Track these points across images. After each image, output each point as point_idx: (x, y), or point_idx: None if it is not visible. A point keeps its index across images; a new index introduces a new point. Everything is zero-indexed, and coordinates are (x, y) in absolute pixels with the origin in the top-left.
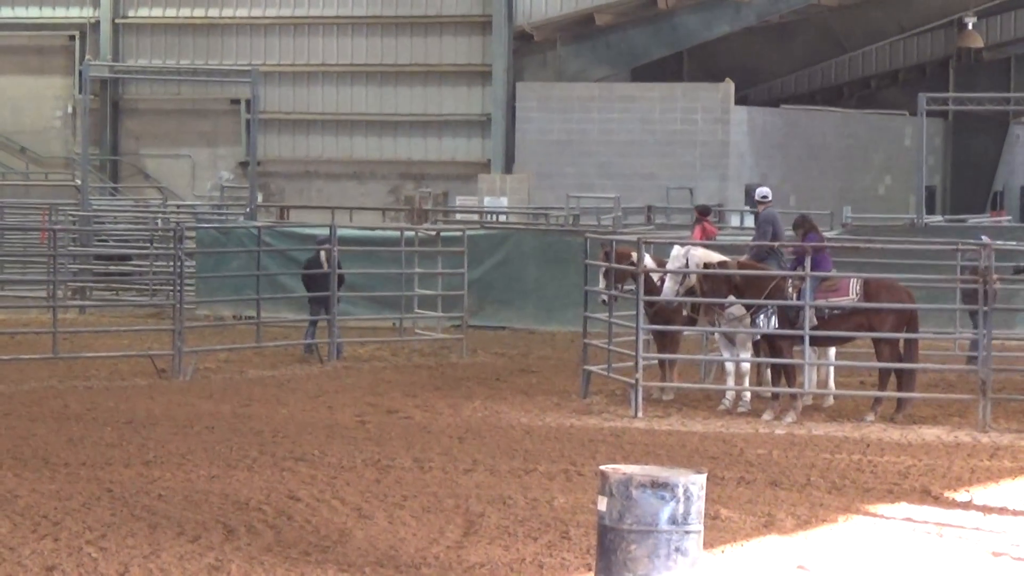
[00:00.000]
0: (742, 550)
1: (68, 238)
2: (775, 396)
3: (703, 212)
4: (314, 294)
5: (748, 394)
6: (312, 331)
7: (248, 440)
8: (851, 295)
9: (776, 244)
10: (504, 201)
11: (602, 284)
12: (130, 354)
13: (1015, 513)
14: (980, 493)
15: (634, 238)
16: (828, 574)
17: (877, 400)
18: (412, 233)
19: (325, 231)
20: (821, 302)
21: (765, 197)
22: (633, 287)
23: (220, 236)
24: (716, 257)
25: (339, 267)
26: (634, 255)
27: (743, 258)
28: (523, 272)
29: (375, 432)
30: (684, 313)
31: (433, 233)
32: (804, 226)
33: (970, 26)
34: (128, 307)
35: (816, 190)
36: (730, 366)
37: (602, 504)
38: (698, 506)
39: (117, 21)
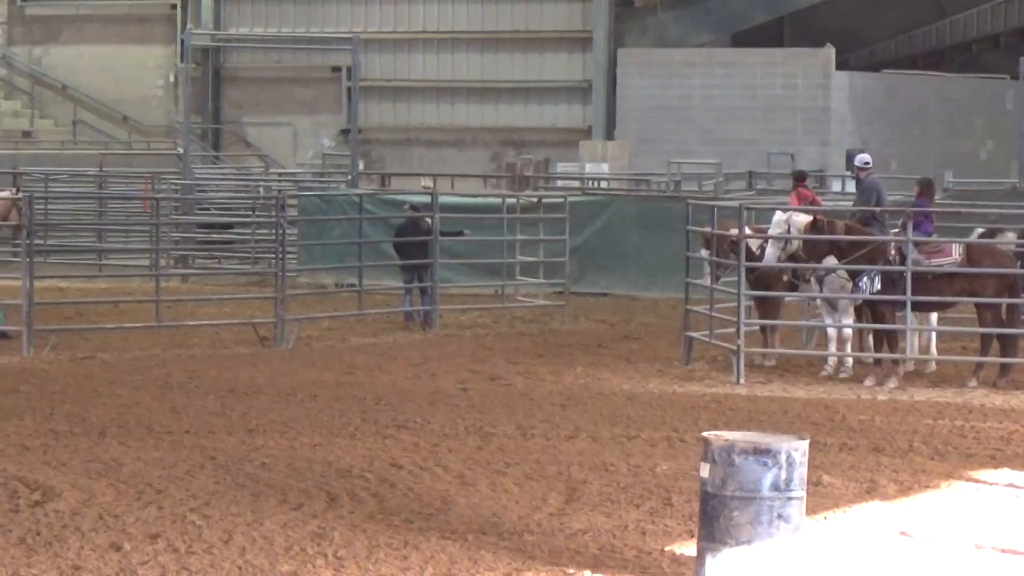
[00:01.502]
0: (844, 516)
1: (170, 207)
2: (877, 362)
3: (799, 178)
4: (406, 261)
5: (850, 360)
6: (409, 299)
7: (350, 408)
8: (952, 259)
9: (878, 209)
10: (605, 167)
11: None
12: (232, 322)
13: None
14: None
15: (736, 204)
16: (931, 540)
17: (979, 365)
18: (514, 200)
19: (425, 198)
20: (923, 265)
21: (867, 163)
22: (734, 259)
23: (322, 204)
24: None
25: (428, 231)
26: (734, 230)
27: (846, 223)
28: (624, 238)
29: (477, 399)
30: (785, 279)
31: (535, 200)
32: (920, 186)
33: None
34: (230, 275)
35: (917, 155)
36: (832, 332)
37: (704, 471)
38: (800, 472)
39: None
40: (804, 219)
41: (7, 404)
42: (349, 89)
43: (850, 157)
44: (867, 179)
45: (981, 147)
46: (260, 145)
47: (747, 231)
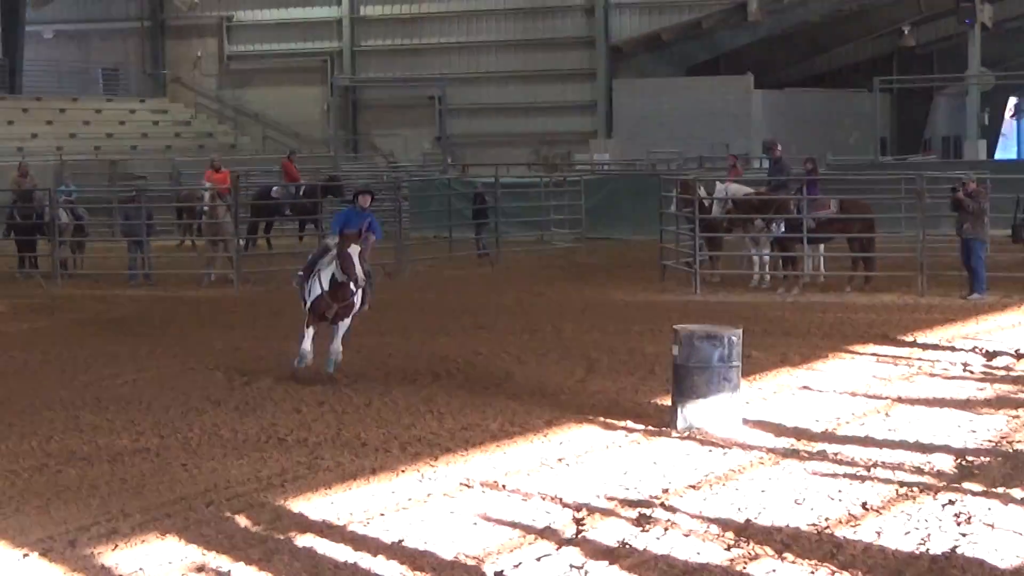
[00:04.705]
0: (766, 378)
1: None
2: (785, 278)
3: (737, 157)
4: (476, 221)
5: (768, 277)
6: (481, 242)
7: (445, 316)
8: (831, 209)
9: (784, 179)
10: (607, 156)
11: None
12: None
13: (941, 348)
14: (920, 336)
15: (692, 177)
16: (823, 392)
17: (851, 278)
18: (548, 179)
19: (488, 180)
20: (814, 215)
21: (780, 148)
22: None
23: (424, 185)
24: (745, 189)
25: (486, 202)
26: (701, 189)
27: (762, 189)
28: (620, 202)
29: (527, 308)
30: (724, 226)
31: (561, 178)
32: (809, 162)
33: (906, 32)
34: None
35: (809, 142)
36: (756, 258)
37: (675, 350)
38: (737, 350)
39: (355, 49)
40: (735, 188)
41: (224, 320)
42: (440, 111)
43: (765, 146)
44: (781, 159)
45: (849, 136)
46: (383, 148)
47: (703, 194)
